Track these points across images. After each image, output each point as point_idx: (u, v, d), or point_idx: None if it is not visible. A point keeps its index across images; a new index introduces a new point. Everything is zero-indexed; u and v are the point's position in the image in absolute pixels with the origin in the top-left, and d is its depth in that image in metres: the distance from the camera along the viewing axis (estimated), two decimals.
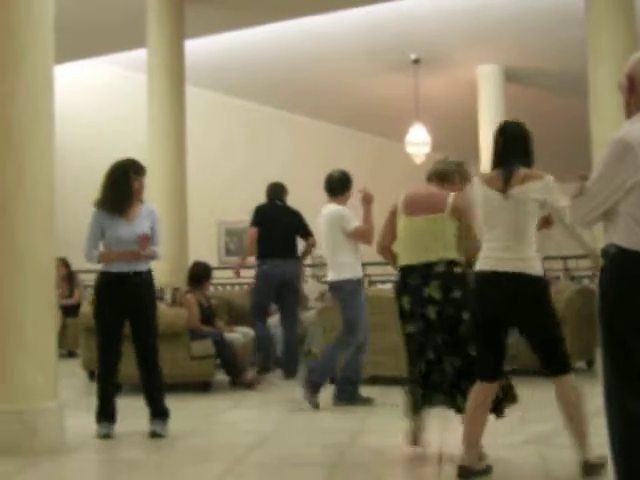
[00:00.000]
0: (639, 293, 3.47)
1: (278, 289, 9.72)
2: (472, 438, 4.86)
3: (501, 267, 4.68)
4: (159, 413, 6.37)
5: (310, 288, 12.12)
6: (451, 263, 5.41)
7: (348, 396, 7.60)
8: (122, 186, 6.39)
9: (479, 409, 4.85)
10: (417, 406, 5.54)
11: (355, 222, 7.55)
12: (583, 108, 10.29)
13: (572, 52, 11.99)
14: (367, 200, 7.45)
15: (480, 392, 4.85)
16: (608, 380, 3.60)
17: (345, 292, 7.60)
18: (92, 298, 6.85)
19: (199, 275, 9.47)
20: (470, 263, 5.36)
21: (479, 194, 4.87)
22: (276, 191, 10.45)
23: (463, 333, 5.31)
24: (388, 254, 5.88)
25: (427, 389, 5.51)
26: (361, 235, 7.55)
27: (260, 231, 9.81)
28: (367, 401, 7.65)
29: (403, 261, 5.60)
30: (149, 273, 6.52)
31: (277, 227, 9.80)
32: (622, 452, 3.53)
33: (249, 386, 8.79)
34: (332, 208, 7.77)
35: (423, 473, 5.33)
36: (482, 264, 4.79)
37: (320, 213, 7.92)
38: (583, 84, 10.22)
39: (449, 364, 5.38)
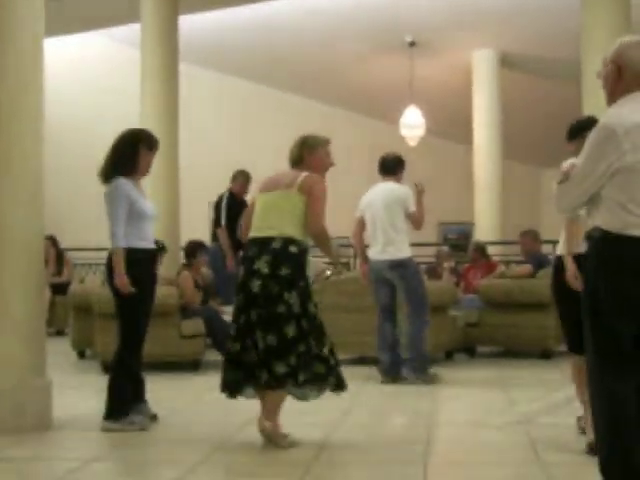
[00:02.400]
0: (623, 276, 3.48)
1: None
2: None
3: None
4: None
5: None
6: (288, 240, 5.36)
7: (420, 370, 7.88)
8: (142, 156, 6.02)
9: None
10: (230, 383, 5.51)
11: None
12: (576, 94, 10.28)
13: (567, 39, 11.97)
14: (421, 191, 7.87)
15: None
16: (592, 363, 3.61)
17: (411, 269, 7.98)
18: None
19: (193, 252, 9.50)
20: (325, 245, 5.53)
21: None
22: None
23: (282, 311, 5.26)
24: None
25: (240, 366, 5.43)
26: (417, 220, 7.89)
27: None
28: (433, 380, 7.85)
29: (250, 235, 5.56)
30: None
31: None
32: (607, 435, 3.55)
33: None
34: (396, 186, 7.96)
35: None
36: None
37: (374, 189, 8.01)
38: (577, 71, 10.22)
39: (261, 340, 5.29)
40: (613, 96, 3.67)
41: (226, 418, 6.29)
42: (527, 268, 9.94)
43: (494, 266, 11.40)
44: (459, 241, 16.83)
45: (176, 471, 4.76)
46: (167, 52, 11.37)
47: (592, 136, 3.57)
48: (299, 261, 5.36)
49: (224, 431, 5.79)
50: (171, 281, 9.14)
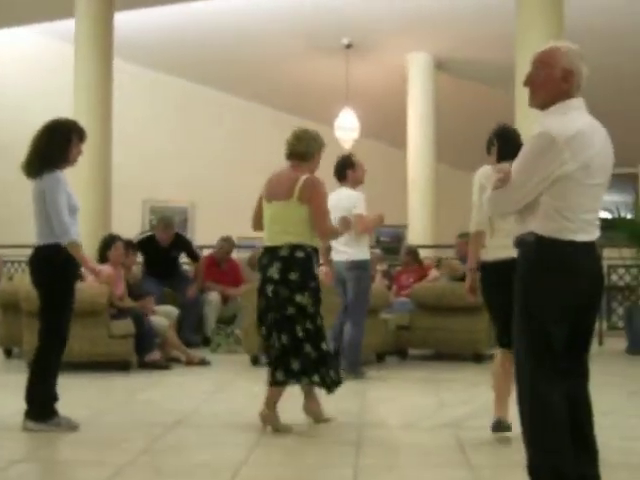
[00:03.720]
0: (557, 279, 3.55)
1: None
2: None
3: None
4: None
5: None
6: (295, 247, 5.74)
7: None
8: (74, 146, 5.85)
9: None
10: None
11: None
12: (510, 99, 10.38)
13: (501, 44, 12.08)
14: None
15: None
16: (522, 364, 3.65)
17: (367, 273, 8.33)
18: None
19: (108, 245, 9.29)
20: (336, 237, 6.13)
21: None
22: None
23: (292, 313, 5.71)
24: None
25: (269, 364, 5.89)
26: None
27: None
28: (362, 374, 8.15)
29: (263, 243, 5.97)
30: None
31: None
32: (535, 438, 3.58)
33: (155, 366, 8.79)
34: (345, 195, 8.13)
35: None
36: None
37: (332, 195, 8.11)
38: (510, 75, 10.31)
39: (277, 340, 5.74)
40: (550, 100, 3.67)
41: (157, 419, 6.24)
42: (461, 267, 9.95)
43: (426, 270, 11.46)
44: (392, 244, 16.92)
45: (103, 472, 4.68)
46: (102, 48, 11.23)
47: (532, 143, 3.60)
48: (306, 264, 5.76)
49: (153, 432, 5.73)
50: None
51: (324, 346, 5.80)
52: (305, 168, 5.92)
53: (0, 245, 13.09)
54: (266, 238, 5.92)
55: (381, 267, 11.97)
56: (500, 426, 5.36)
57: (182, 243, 11.38)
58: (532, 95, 3.74)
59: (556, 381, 3.58)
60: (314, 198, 5.77)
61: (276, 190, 5.87)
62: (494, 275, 5.30)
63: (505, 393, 5.38)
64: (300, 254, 5.75)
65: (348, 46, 14.89)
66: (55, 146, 5.83)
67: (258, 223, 6.09)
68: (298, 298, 5.71)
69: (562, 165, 3.50)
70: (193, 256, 11.53)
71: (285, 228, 5.79)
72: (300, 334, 5.71)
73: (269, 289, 5.78)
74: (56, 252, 5.72)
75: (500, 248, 5.13)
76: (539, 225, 3.59)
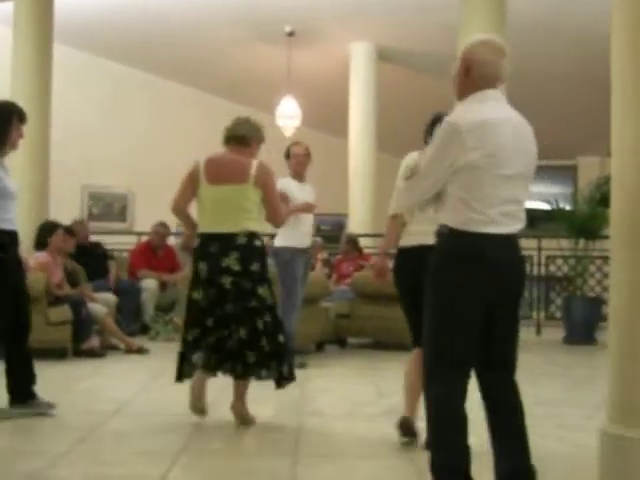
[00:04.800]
0: (463, 272, 3.55)
1: None
2: None
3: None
4: None
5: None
6: (252, 235, 5.53)
7: None
8: (5, 129, 5.74)
9: None
10: (186, 370, 5.76)
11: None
12: (451, 90, 10.44)
13: (444, 35, 12.14)
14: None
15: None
16: (429, 356, 3.65)
17: (279, 259, 8.19)
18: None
19: (49, 232, 9.18)
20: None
21: None
22: None
23: (254, 305, 5.52)
24: (182, 216, 5.90)
25: (199, 352, 5.66)
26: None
27: None
28: (302, 365, 8.09)
29: (204, 228, 5.64)
30: None
31: None
32: (433, 436, 3.65)
33: (89, 354, 8.75)
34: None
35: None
36: None
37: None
38: (448, 68, 10.38)
39: (236, 333, 5.53)
40: (462, 94, 3.74)
41: (95, 407, 6.20)
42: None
43: (366, 258, 11.52)
44: (332, 232, 16.93)
45: (41, 461, 4.64)
46: (40, 31, 11.02)
47: (438, 133, 3.65)
48: (264, 254, 5.61)
49: (92, 420, 5.69)
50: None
51: (280, 339, 5.61)
52: (244, 153, 5.69)
53: None
54: (210, 223, 5.58)
55: (321, 255, 12.00)
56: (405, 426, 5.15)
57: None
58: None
59: (456, 379, 3.59)
60: (268, 183, 5.60)
61: (224, 173, 5.58)
62: (408, 261, 5.14)
63: (417, 394, 4.97)
64: (258, 243, 5.57)
65: (290, 34, 14.85)
66: None
67: (184, 205, 5.78)
68: (260, 290, 5.53)
69: (466, 153, 3.49)
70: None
71: (239, 214, 5.51)
72: (260, 327, 5.52)
73: (226, 280, 5.49)
74: None
75: (419, 234, 4.96)
76: (449, 217, 3.59)
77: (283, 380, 5.70)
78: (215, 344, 5.62)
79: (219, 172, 5.62)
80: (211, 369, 5.71)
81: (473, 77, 3.70)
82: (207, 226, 5.61)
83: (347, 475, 4.64)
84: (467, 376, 3.62)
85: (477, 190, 3.54)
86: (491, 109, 3.63)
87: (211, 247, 5.54)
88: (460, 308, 3.57)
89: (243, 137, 5.75)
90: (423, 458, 4.81)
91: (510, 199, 3.60)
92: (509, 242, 3.62)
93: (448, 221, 3.60)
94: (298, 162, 8.43)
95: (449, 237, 3.59)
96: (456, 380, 3.58)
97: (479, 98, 3.66)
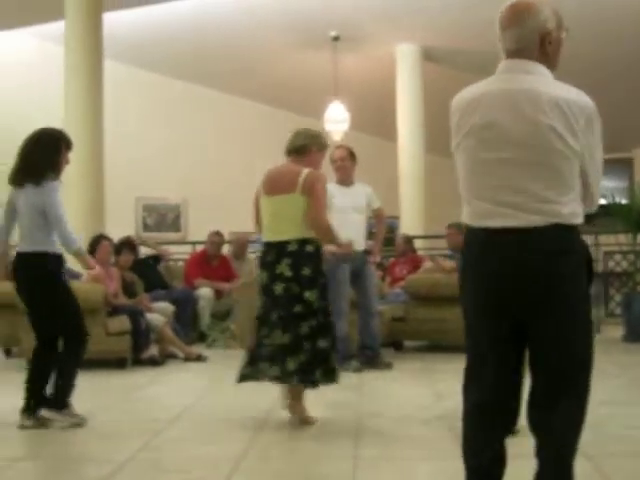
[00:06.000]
0: (467, 272, 3.25)
1: None
2: None
3: None
4: None
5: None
6: (304, 241, 5.68)
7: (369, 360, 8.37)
8: (56, 157, 5.92)
9: None
10: (244, 375, 5.89)
11: None
12: None
13: (490, 32, 12.08)
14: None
15: None
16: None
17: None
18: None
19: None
20: (330, 240, 5.87)
21: None
22: None
23: (299, 310, 5.63)
24: (258, 227, 6.15)
25: (256, 360, 5.80)
26: None
27: None
28: (387, 365, 8.44)
29: (265, 238, 5.87)
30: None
31: None
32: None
33: (151, 363, 8.88)
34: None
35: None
36: None
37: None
38: (495, 62, 10.34)
39: (279, 337, 5.67)
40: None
41: (155, 414, 6.28)
42: (449, 265, 10.03)
43: (420, 260, 11.49)
44: (385, 235, 16.88)
45: (104, 469, 4.73)
46: (91, 49, 11.19)
47: None
48: (316, 259, 5.72)
49: (152, 428, 5.77)
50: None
51: (321, 344, 5.69)
52: (304, 162, 5.86)
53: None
54: (269, 234, 5.82)
55: (374, 258, 12.00)
56: None
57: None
58: None
59: (473, 382, 3.27)
60: (314, 190, 5.67)
61: (278, 184, 5.78)
62: None
63: None
64: (310, 248, 5.69)
65: (335, 38, 14.88)
66: (45, 156, 5.91)
67: (259, 222, 6.03)
68: (307, 294, 5.64)
69: (456, 134, 3.22)
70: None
71: (291, 222, 5.68)
72: (303, 332, 5.63)
73: (279, 287, 5.67)
74: (44, 260, 5.86)
75: None
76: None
77: (326, 381, 5.82)
78: (267, 350, 5.75)
79: (274, 184, 5.82)
80: (263, 374, 5.82)
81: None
82: (266, 236, 5.84)
83: (406, 478, 4.66)
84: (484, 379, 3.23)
85: (465, 177, 3.19)
86: (489, 82, 3.30)
87: (269, 256, 5.75)
88: (468, 311, 3.27)
89: (300, 147, 5.94)
90: None
91: (506, 185, 3.06)
92: (515, 238, 3.04)
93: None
94: (337, 167, 8.47)
95: (466, 235, 3.27)
96: (472, 383, 3.29)
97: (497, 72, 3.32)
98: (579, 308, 3.08)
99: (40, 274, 5.89)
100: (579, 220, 3.09)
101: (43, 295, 5.92)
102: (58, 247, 5.91)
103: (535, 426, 3.17)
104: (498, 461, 3.25)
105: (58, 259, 5.93)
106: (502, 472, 3.27)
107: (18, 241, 6.04)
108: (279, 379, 5.73)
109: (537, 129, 3.01)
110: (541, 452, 3.15)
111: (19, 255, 5.96)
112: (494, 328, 3.15)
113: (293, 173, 5.76)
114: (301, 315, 5.64)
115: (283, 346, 5.64)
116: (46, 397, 5.94)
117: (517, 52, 3.23)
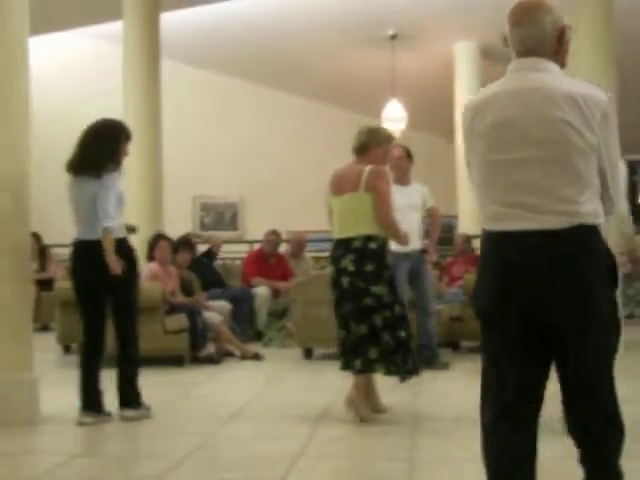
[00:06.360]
0: (479, 277, 3.20)
1: None
2: None
3: None
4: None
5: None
6: (368, 238, 5.88)
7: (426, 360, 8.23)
8: (116, 148, 5.96)
9: None
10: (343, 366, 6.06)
11: None
12: None
13: None
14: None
15: None
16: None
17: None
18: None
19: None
20: (393, 234, 6.02)
21: None
22: None
23: (369, 303, 5.82)
24: None
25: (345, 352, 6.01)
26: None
27: None
28: (445, 365, 8.47)
29: (334, 235, 6.10)
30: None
31: None
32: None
33: (208, 361, 8.94)
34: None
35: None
36: None
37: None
38: None
39: (355, 329, 5.87)
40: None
41: (212, 412, 6.31)
42: None
43: (478, 259, 11.41)
44: (442, 234, 16.82)
45: (161, 466, 4.77)
46: (149, 49, 11.32)
47: None
48: (379, 256, 5.92)
49: (210, 425, 5.81)
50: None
51: (401, 334, 5.90)
52: (366, 160, 6.01)
53: (55, 244, 13.31)
54: (337, 231, 6.04)
55: (431, 257, 11.96)
56: None
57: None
58: None
59: (491, 398, 3.05)
60: (378, 186, 5.86)
61: (343, 183, 6.00)
62: None
63: None
64: (373, 245, 5.88)
65: (393, 37, 14.85)
66: (105, 147, 5.92)
67: (331, 221, 6.22)
68: (374, 289, 5.84)
69: (469, 136, 3.20)
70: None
71: (356, 219, 5.90)
72: (378, 323, 5.82)
73: (345, 280, 5.89)
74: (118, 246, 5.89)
75: None
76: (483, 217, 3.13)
77: (407, 374, 5.97)
78: (340, 342, 6.02)
79: (339, 184, 6.05)
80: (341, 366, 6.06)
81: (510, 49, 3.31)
82: (335, 233, 6.07)
83: (462, 479, 4.63)
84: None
85: (480, 179, 3.09)
86: (500, 83, 3.22)
87: (336, 251, 5.99)
88: (480, 317, 3.14)
89: (361, 145, 6.10)
90: (539, 462, 4.78)
91: (523, 185, 2.94)
92: (533, 242, 2.92)
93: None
94: (392, 165, 8.40)
95: (482, 240, 3.19)
96: (488, 398, 3.08)
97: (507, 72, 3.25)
98: (603, 309, 2.94)
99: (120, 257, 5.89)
100: (601, 220, 2.94)
101: (125, 281, 5.99)
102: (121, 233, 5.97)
103: (575, 431, 3.09)
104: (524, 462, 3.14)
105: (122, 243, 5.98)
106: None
107: (77, 229, 6.05)
108: (357, 369, 5.88)
109: (553, 125, 2.90)
110: (585, 457, 3.07)
111: (79, 243, 6.00)
112: (510, 331, 3.00)
113: (356, 172, 5.95)
114: (372, 308, 5.84)
115: (362, 337, 5.85)
116: (124, 398, 6.06)
117: (529, 51, 3.15)
